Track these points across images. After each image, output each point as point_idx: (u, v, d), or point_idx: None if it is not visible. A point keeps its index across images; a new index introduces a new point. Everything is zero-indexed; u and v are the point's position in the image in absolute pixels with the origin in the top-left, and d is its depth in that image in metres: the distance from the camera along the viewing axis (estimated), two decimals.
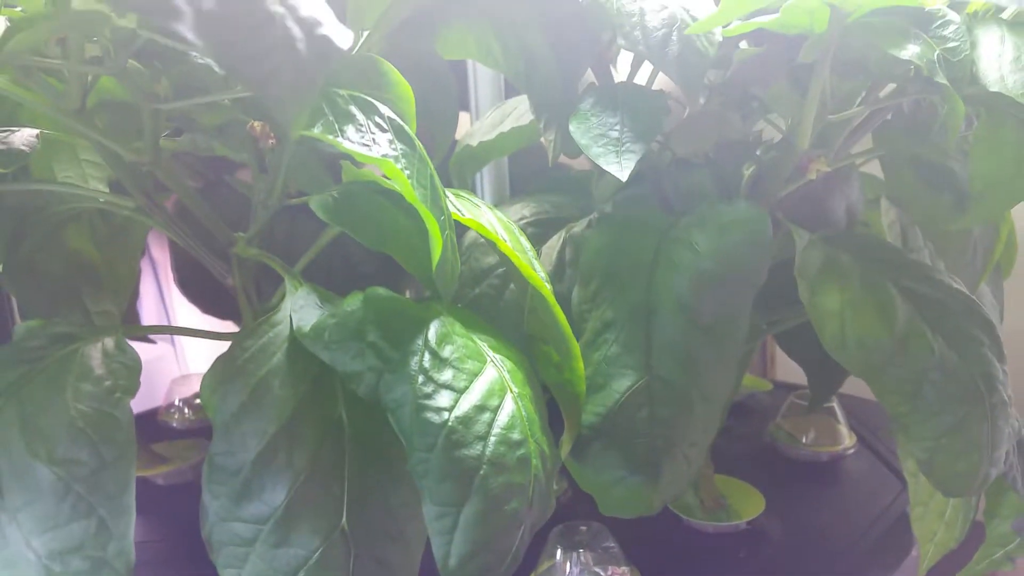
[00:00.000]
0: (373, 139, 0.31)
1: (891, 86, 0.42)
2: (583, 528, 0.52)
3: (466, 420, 0.32)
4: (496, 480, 0.32)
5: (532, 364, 0.38)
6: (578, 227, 0.50)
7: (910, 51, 0.33)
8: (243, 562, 0.33)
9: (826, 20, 0.37)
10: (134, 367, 0.34)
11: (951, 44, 0.36)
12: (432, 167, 0.33)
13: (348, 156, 0.32)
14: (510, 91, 0.68)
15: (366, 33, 0.42)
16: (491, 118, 0.60)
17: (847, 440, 0.70)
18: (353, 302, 0.34)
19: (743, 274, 0.41)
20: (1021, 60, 0.36)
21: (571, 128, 0.42)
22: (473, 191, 0.68)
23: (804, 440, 0.70)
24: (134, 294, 0.59)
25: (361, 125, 0.31)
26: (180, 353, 1.09)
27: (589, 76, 0.55)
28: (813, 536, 0.60)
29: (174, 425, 0.77)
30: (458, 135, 0.63)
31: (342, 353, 0.32)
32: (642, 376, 0.41)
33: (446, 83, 0.52)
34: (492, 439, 0.32)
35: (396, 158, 0.31)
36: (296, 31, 0.20)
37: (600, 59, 0.53)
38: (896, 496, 0.65)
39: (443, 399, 0.32)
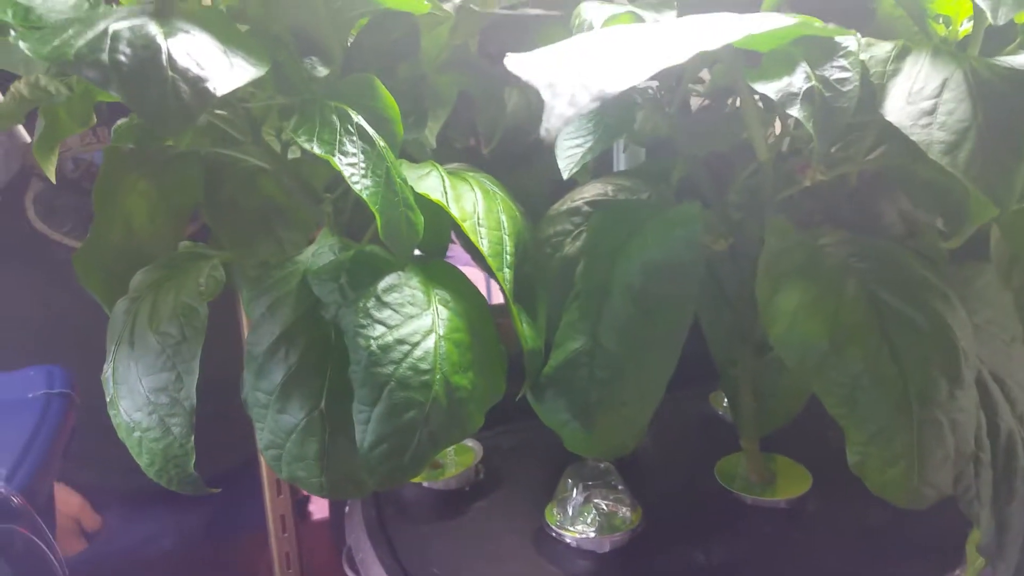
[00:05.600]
0: (340, 140, 0.44)
1: None
2: (593, 465, 0.61)
3: (385, 347, 0.44)
4: (399, 394, 0.43)
5: (485, 319, 0.49)
6: None
7: (773, 85, 0.37)
8: (263, 419, 0.49)
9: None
10: (220, 279, 0.51)
11: (841, 75, 0.38)
12: (391, 159, 0.45)
13: None
14: None
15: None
16: None
17: None
18: (347, 254, 0.47)
19: (680, 267, 0.47)
20: (922, 92, 0.37)
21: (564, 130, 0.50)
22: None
23: None
24: None
25: (335, 130, 0.44)
26: None
27: None
28: (852, 529, 0.61)
29: None
30: None
31: (323, 288, 0.46)
32: (588, 342, 0.49)
33: (490, 76, 0.61)
34: (404, 365, 0.44)
35: (354, 154, 0.43)
36: (183, 87, 0.34)
37: None
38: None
39: (375, 331, 0.44)
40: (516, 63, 0.29)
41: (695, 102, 0.66)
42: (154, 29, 0.35)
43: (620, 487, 0.60)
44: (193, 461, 0.50)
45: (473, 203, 0.49)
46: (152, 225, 0.65)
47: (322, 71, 0.53)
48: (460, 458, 0.71)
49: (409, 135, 0.57)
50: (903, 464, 0.44)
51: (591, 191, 0.62)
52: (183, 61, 0.34)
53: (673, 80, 0.59)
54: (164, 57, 0.34)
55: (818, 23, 0.34)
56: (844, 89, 0.38)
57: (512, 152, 0.69)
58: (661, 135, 0.54)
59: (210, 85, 0.35)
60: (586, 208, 0.60)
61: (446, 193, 0.49)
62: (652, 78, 0.62)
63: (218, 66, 0.35)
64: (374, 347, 0.44)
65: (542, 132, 0.27)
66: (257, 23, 0.50)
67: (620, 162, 0.79)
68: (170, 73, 0.34)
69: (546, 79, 0.27)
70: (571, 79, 0.27)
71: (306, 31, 0.52)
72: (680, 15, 0.45)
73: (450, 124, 0.65)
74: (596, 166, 0.74)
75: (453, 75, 0.59)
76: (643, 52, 0.29)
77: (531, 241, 0.55)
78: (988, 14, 0.38)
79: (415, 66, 0.57)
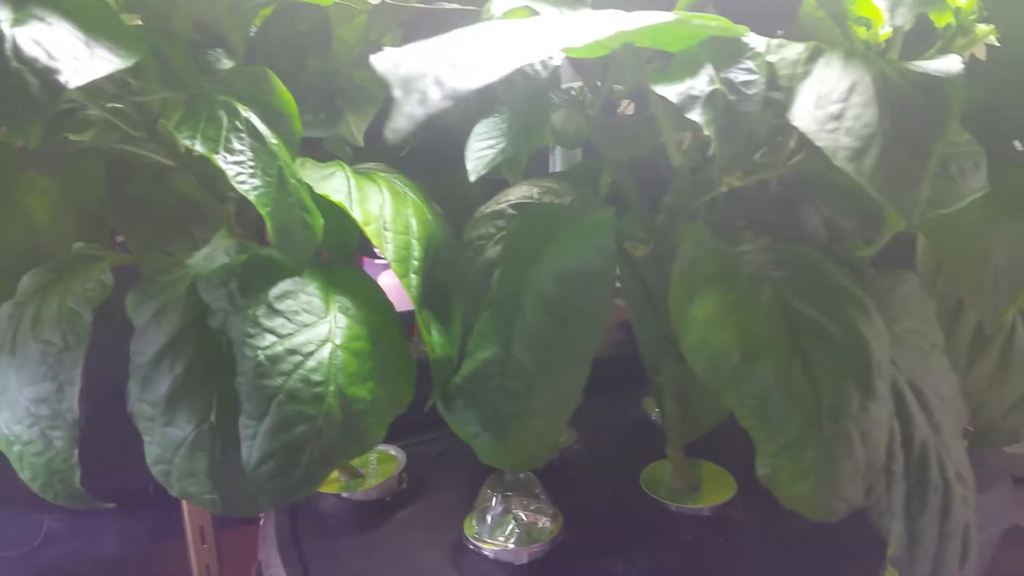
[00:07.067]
0: (226, 137, 0.41)
1: None
2: (513, 476, 0.59)
3: (274, 358, 0.41)
4: (288, 407, 0.41)
5: (391, 326, 0.46)
6: None
7: (674, 88, 0.35)
8: (151, 432, 0.46)
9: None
10: (106, 283, 0.48)
11: (747, 78, 0.36)
12: (285, 157, 0.42)
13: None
14: None
15: None
16: None
17: None
18: (240, 257, 0.45)
19: (593, 275, 0.45)
20: (830, 96, 0.35)
21: (475, 128, 0.48)
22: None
23: None
24: None
25: (221, 126, 0.41)
26: None
27: None
28: (775, 536, 0.60)
29: None
30: None
31: (211, 294, 0.43)
32: (500, 351, 0.47)
33: None
34: (294, 376, 0.41)
35: (241, 151, 0.41)
36: (30, 78, 0.31)
37: None
38: None
39: (263, 340, 0.42)
40: (379, 60, 0.27)
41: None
42: (1, 15, 0.32)
43: (542, 496, 0.58)
44: (78, 475, 0.47)
45: (380, 205, 0.47)
46: (56, 224, 0.61)
47: (227, 63, 0.51)
48: (382, 467, 0.68)
49: (320, 132, 0.55)
50: (813, 477, 0.42)
51: (517, 193, 0.59)
52: (30, 50, 0.31)
53: (597, 80, 0.57)
54: (8, 46, 0.31)
55: (712, 20, 0.32)
56: (749, 92, 0.36)
57: (447, 153, 0.67)
58: (583, 137, 0.52)
59: (62, 77, 0.32)
60: (510, 211, 0.58)
61: (350, 194, 0.46)
62: (575, 78, 0.60)
63: (73, 57, 0.33)
64: (262, 357, 0.41)
65: (387, 134, 0.25)
66: (157, 14, 0.47)
67: (556, 163, 0.78)
68: (14, 63, 0.31)
69: (400, 76, 0.25)
70: (426, 76, 0.25)
71: (207, 22, 0.49)
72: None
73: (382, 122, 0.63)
74: (532, 167, 0.72)
75: (371, 71, 0.57)
76: (506, 48, 0.27)
77: (445, 245, 0.53)
78: (886, 14, 0.36)
79: (327, 61, 0.54)
